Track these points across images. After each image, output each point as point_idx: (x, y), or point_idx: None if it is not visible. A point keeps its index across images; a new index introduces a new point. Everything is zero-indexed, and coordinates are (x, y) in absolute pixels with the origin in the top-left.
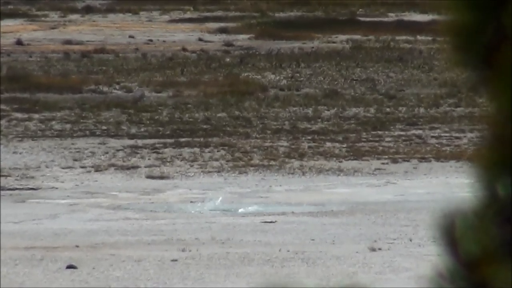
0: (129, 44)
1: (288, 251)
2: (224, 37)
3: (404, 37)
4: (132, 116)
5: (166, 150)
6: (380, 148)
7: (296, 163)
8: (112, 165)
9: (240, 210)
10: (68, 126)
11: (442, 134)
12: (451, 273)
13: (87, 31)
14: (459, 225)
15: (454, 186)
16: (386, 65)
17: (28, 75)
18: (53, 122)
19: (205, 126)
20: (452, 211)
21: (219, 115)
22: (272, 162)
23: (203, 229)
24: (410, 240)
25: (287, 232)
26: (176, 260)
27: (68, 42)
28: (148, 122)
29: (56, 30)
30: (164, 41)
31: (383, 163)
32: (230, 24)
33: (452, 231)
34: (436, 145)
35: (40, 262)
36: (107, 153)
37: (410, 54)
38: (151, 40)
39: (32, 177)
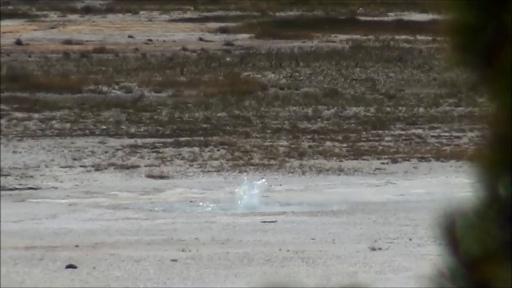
0: (129, 44)
1: (288, 250)
2: (224, 36)
3: (404, 37)
4: (131, 115)
5: (166, 149)
6: (380, 147)
7: (296, 163)
8: (112, 164)
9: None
10: (67, 125)
11: (442, 134)
12: (452, 273)
13: (87, 31)
14: (460, 224)
15: (454, 185)
16: (386, 64)
17: (27, 75)
18: (53, 122)
19: (205, 126)
20: (453, 211)
21: (219, 114)
22: (272, 162)
23: (203, 229)
24: (410, 240)
25: (287, 231)
26: (176, 260)
27: (68, 42)
28: (147, 121)
29: (55, 30)
30: (164, 40)
31: (383, 163)
32: (230, 24)
33: (453, 231)
34: (436, 144)
35: (40, 262)
36: (106, 152)
37: (410, 53)
38: (150, 40)
39: (32, 177)
